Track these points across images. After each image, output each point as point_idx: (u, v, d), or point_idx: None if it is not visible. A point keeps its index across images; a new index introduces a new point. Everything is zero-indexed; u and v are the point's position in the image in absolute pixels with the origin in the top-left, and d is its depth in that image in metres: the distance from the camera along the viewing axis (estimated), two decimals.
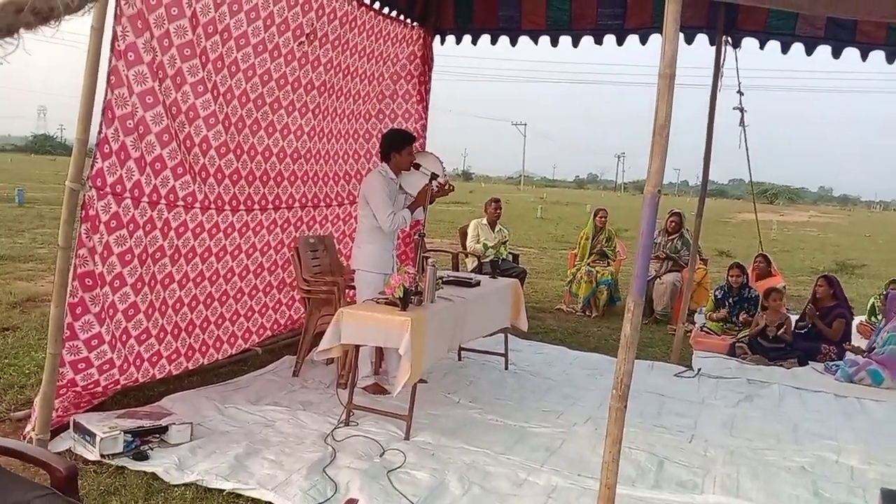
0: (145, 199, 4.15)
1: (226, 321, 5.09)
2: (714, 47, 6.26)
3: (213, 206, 4.72)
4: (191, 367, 4.80)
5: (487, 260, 7.61)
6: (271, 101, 5.07)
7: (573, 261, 9.08)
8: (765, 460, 4.21)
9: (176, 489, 3.41)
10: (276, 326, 5.72)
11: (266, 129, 5.11)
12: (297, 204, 5.67)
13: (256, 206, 5.17)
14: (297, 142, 5.47)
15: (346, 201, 6.34)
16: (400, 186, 4.94)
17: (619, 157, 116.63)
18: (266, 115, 5.07)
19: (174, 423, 3.88)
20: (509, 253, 8.58)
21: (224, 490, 3.41)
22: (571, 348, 6.75)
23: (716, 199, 71.47)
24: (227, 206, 4.86)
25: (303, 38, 5.14)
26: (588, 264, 8.63)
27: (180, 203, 4.43)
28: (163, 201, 4.30)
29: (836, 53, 6.24)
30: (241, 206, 5.01)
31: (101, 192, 3.87)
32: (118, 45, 3.83)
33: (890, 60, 6.19)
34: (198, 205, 4.57)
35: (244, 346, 5.35)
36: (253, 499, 3.37)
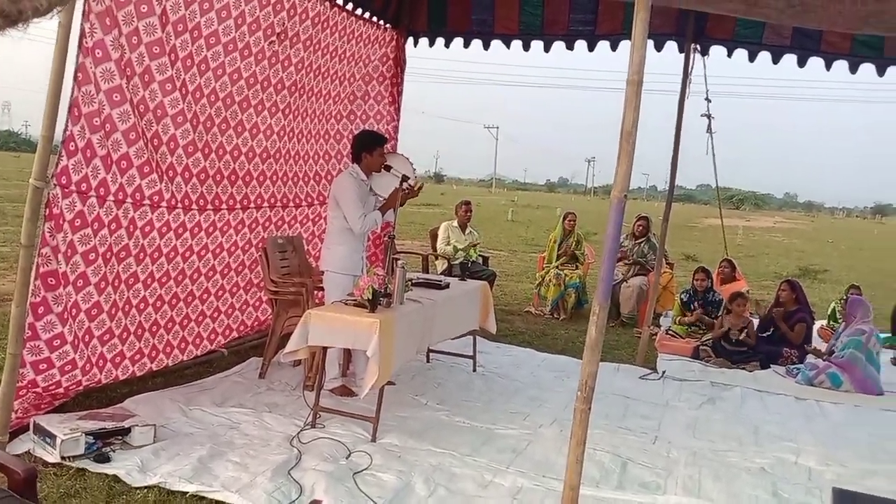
0: (111, 197, 4.10)
1: (191, 322, 5.05)
2: (683, 54, 6.36)
3: (179, 205, 4.68)
4: (155, 369, 4.74)
5: (457, 262, 7.63)
6: (240, 100, 5.04)
7: (542, 264, 9.15)
8: (726, 461, 4.28)
9: (138, 491, 3.37)
10: (242, 327, 5.67)
11: (235, 129, 5.08)
12: (265, 204, 5.63)
13: (224, 206, 5.13)
14: (266, 141, 5.44)
15: (315, 202, 6.31)
16: (371, 188, 4.95)
17: (589, 161, 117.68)
18: (235, 115, 5.04)
19: (137, 425, 3.83)
20: (479, 255, 8.62)
21: (187, 492, 3.38)
22: (539, 350, 6.79)
23: (683, 205, 72.51)
24: (194, 206, 4.82)
25: (273, 38, 5.12)
26: (557, 267, 8.70)
27: (147, 202, 4.38)
28: (129, 200, 4.25)
29: (802, 62, 6.37)
30: (209, 206, 4.97)
31: (66, 191, 3.81)
32: (86, 42, 3.79)
33: (853, 70, 6.34)
34: (164, 204, 4.53)
35: (209, 347, 5.30)
36: (217, 501, 3.34)
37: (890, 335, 8.06)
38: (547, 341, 7.24)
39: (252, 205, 5.46)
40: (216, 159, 4.96)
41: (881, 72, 6.21)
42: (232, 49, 4.80)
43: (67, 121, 3.75)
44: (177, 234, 4.73)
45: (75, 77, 3.75)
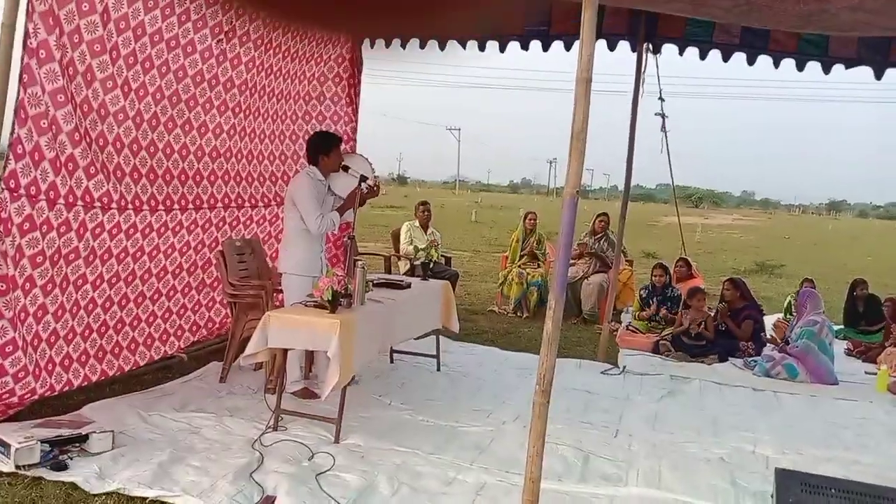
0: (61, 200, 4.04)
1: (141, 322, 4.99)
2: (635, 54, 6.46)
3: (130, 206, 4.62)
4: (111, 374, 4.67)
5: (419, 262, 7.63)
6: (187, 98, 5.00)
7: (505, 263, 9.23)
8: (686, 453, 4.35)
9: (97, 498, 3.32)
10: (195, 328, 5.62)
11: (182, 127, 5.04)
12: (219, 204, 5.59)
13: (176, 206, 5.09)
14: (215, 140, 5.40)
15: (272, 202, 6.26)
16: (329, 188, 4.93)
17: (550, 162, 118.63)
18: (182, 113, 5.00)
19: (95, 432, 3.77)
20: (442, 256, 8.64)
21: (147, 498, 3.34)
22: (502, 349, 6.84)
23: (643, 204, 73.42)
24: (145, 206, 4.77)
25: (221, 36, 5.08)
26: (519, 266, 8.77)
27: (97, 204, 4.32)
28: (79, 203, 4.18)
29: (751, 60, 6.50)
30: (160, 206, 4.92)
31: (15, 195, 3.74)
32: (30, 43, 3.72)
33: (800, 68, 6.48)
34: (115, 205, 4.46)
35: (163, 349, 5.24)
36: None
37: (843, 327, 8.28)
38: (510, 339, 7.29)
39: (205, 205, 5.41)
40: (164, 158, 4.91)
41: (826, 70, 6.36)
42: (175, 46, 4.75)
43: (14, 123, 3.68)
44: (128, 235, 4.67)
45: (21, 79, 3.68)
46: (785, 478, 1.66)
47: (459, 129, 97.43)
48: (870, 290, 8.37)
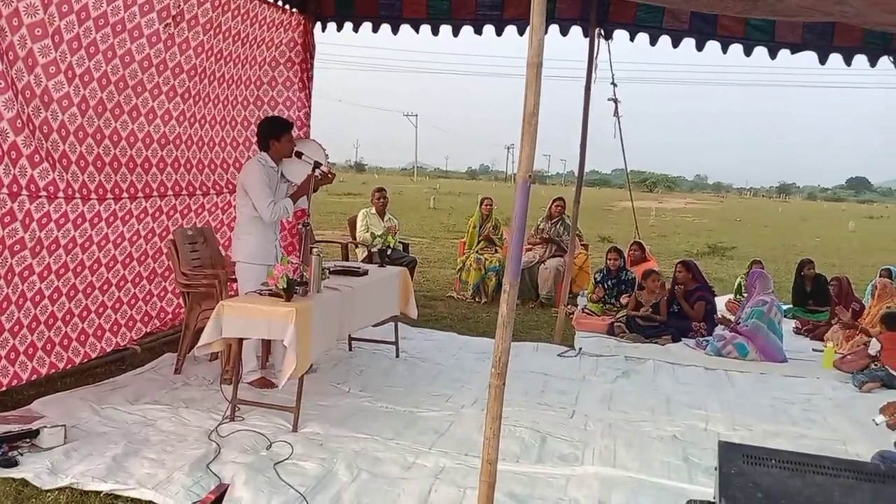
0: (4, 190, 3.92)
1: (92, 314, 4.89)
2: (588, 39, 6.51)
3: (77, 195, 4.50)
4: (62, 367, 4.57)
5: (376, 249, 7.61)
6: (134, 84, 4.88)
7: (463, 249, 9.26)
8: (640, 431, 4.44)
9: (49, 494, 3.26)
10: (146, 319, 5.52)
11: (129, 114, 4.92)
12: (169, 192, 5.48)
13: (125, 195, 4.97)
14: (164, 127, 5.29)
15: (224, 190, 6.17)
16: (281, 175, 4.87)
17: (508, 148, 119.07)
18: (129, 99, 4.88)
19: (46, 427, 3.70)
20: (400, 242, 8.62)
21: (101, 492, 3.29)
22: (461, 334, 6.87)
23: (599, 189, 74.31)
24: (92, 195, 4.65)
25: (169, 20, 4.97)
26: (477, 252, 8.81)
27: (43, 193, 4.20)
28: (24, 192, 4.06)
29: (700, 46, 6.62)
30: (108, 195, 4.81)
31: None
32: None
33: (748, 53, 6.63)
34: (61, 195, 4.35)
35: (115, 341, 5.15)
36: (132, 499, 3.27)
37: (791, 306, 8.52)
38: (469, 324, 7.32)
39: (154, 193, 5.31)
40: (111, 146, 4.79)
41: (773, 55, 6.52)
42: (121, 30, 4.63)
43: None
44: (75, 224, 4.55)
45: None
46: (727, 450, 1.71)
47: (416, 116, 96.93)
48: (817, 270, 8.61)
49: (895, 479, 1.61)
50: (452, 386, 5.18)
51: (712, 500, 1.61)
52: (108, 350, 5.10)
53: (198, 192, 5.84)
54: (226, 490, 3.27)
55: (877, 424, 3.70)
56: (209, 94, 5.76)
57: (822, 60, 6.55)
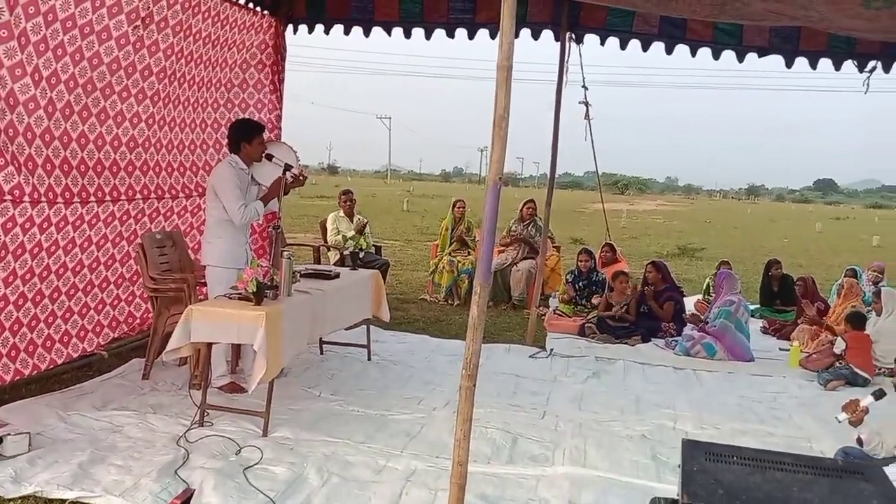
0: None
1: (58, 319, 4.82)
2: (559, 43, 6.56)
3: (43, 198, 4.43)
4: (27, 374, 4.50)
5: (348, 252, 7.60)
6: (102, 87, 4.82)
7: (436, 251, 9.26)
8: (609, 431, 4.49)
9: (12, 503, 3.20)
10: (114, 324, 5.45)
11: (98, 116, 4.86)
12: (137, 196, 5.42)
13: (92, 199, 4.91)
14: (133, 130, 5.23)
15: (194, 193, 6.11)
16: (252, 177, 4.83)
17: (482, 150, 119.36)
18: (97, 102, 4.82)
19: (9, 434, 3.64)
20: (373, 245, 8.61)
21: (66, 500, 3.25)
22: (434, 336, 6.87)
23: (572, 191, 74.86)
24: (59, 199, 4.58)
25: (138, 22, 4.91)
26: (449, 254, 8.82)
27: (7, 198, 4.13)
28: None
29: (669, 50, 6.70)
30: (75, 199, 4.74)
31: None
32: None
33: (716, 57, 6.73)
34: (27, 198, 4.28)
35: (82, 346, 5.07)
36: None
37: (759, 306, 8.65)
38: (441, 327, 7.33)
39: (123, 196, 5.24)
40: (78, 149, 4.73)
41: (741, 58, 6.62)
42: (89, 32, 4.57)
43: None
44: (41, 229, 4.48)
45: None
46: (690, 448, 1.74)
47: (390, 118, 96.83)
48: (784, 271, 8.76)
49: (852, 474, 1.65)
50: (424, 388, 5.18)
51: (676, 497, 1.64)
52: (75, 356, 5.02)
53: (166, 195, 5.79)
54: (192, 495, 3.25)
55: (839, 422, 3.78)
56: (179, 96, 5.70)
57: (789, 64, 6.67)
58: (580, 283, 7.97)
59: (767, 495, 1.56)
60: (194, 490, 3.23)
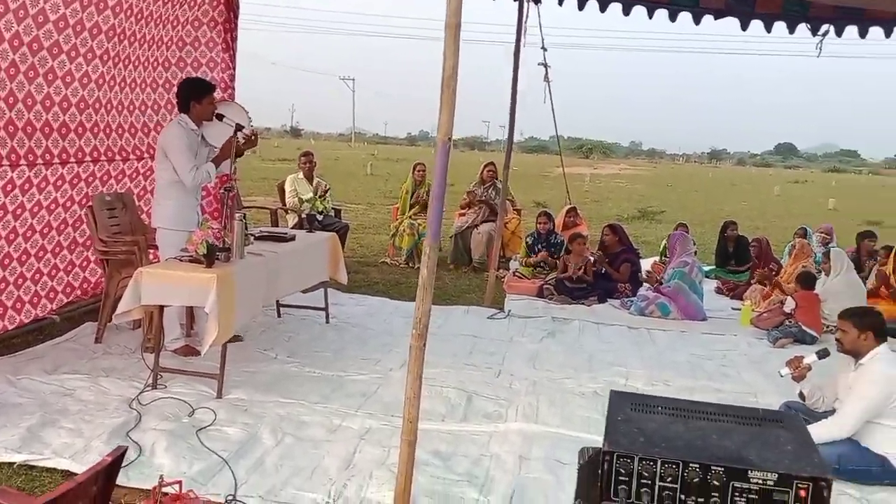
0: None
1: (10, 285, 4.72)
2: (517, 4, 6.51)
3: None
4: None
5: (305, 215, 7.54)
6: (49, 46, 4.66)
7: (396, 214, 9.24)
8: (562, 388, 4.58)
9: None
10: (69, 290, 5.37)
11: (45, 77, 4.71)
12: (87, 158, 5.29)
13: (40, 161, 4.78)
14: (83, 90, 5.08)
15: (146, 155, 5.99)
16: (202, 138, 4.74)
17: None
18: (44, 61, 4.67)
19: None
20: (332, 208, 8.55)
21: (14, 463, 3.23)
22: (393, 299, 6.89)
23: (537, 155, 74.72)
24: (4, 161, 4.45)
25: None
26: (410, 217, 8.81)
27: None
28: None
29: (626, 11, 6.67)
30: (22, 161, 4.61)
31: None
32: None
33: (672, 19, 6.72)
34: None
35: (35, 312, 4.99)
36: (48, 469, 3.22)
37: (714, 267, 8.82)
38: (401, 290, 7.35)
39: (72, 159, 5.12)
40: (25, 110, 4.59)
41: (697, 21, 6.62)
42: None
43: None
44: None
45: None
46: (617, 399, 1.79)
47: (353, 80, 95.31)
48: (740, 233, 8.91)
49: (771, 422, 1.72)
50: (382, 350, 5.21)
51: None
52: (27, 321, 4.94)
53: (117, 157, 5.66)
54: (123, 453, 3.22)
55: (781, 376, 3.91)
56: (129, 55, 5.54)
57: (744, 27, 6.69)
58: (539, 246, 8.03)
59: (687, 443, 1.61)
60: (126, 448, 3.21)
